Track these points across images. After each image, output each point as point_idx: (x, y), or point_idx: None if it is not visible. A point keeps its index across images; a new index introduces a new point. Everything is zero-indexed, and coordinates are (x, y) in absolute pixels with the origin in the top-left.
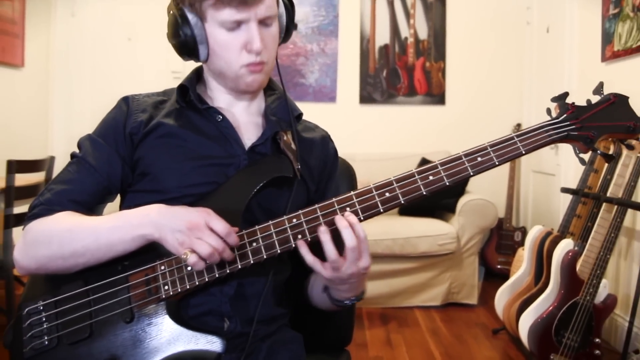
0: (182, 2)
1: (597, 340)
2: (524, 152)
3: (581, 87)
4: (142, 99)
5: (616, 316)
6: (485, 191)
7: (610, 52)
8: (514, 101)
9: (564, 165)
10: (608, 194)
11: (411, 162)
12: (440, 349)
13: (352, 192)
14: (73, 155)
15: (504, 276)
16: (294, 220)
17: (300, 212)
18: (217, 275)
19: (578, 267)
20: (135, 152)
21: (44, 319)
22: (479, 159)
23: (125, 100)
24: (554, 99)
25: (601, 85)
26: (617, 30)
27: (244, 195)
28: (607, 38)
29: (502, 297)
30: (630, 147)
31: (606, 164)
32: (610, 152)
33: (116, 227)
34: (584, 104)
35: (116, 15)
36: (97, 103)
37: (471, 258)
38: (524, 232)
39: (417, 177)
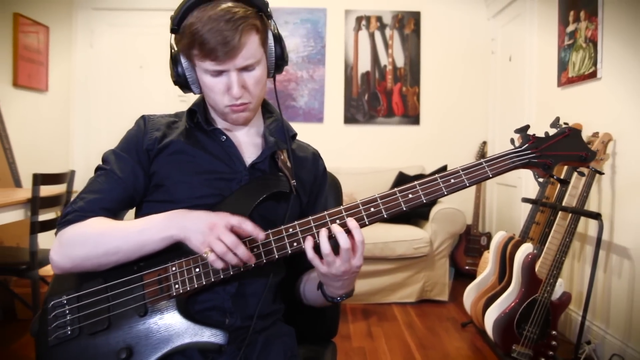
0: (178, 46)
1: (553, 332)
2: (491, 176)
3: (540, 109)
4: (157, 119)
5: (570, 311)
6: (454, 201)
7: (565, 78)
8: (480, 121)
9: (524, 178)
10: (563, 204)
11: (390, 176)
12: (415, 340)
13: (341, 207)
14: (99, 168)
15: (472, 276)
16: (290, 229)
17: (296, 222)
18: (222, 276)
19: (537, 267)
20: (150, 166)
21: (67, 312)
22: (452, 180)
23: (143, 119)
24: (517, 131)
25: (557, 119)
26: (572, 59)
27: (247, 207)
28: (563, 66)
29: (470, 294)
30: (582, 174)
31: (563, 174)
32: (562, 176)
33: (146, 229)
34: (544, 129)
35: (129, 46)
36: (113, 123)
37: (442, 260)
38: (489, 237)
39: (398, 194)
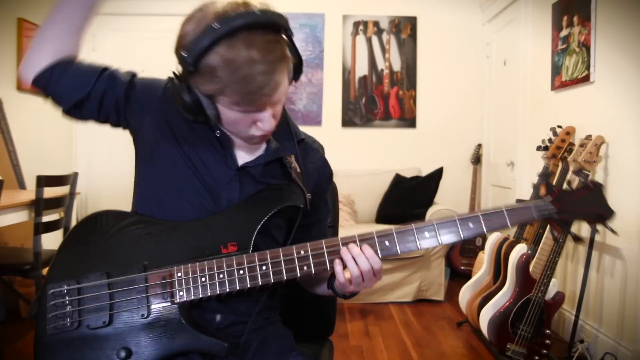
0: (193, 84)
1: (547, 331)
2: (510, 226)
3: (534, 113)
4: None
5: (564, 310)
6: (450, 202)
7: (559, 82)
8: (475, 124)
9: (518, 179)
10: None
11: (386, 178)
12: (411, 339)
13: (356, 234)
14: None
15: (467, 276)
16: (302, 252)
17: (307, 245)
18: (227, 290)
19: (531, 268)
20: (143, 121)
21: (67, 302)
22: (471, 224)
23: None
24: (541, 177)
25: (587, 175)
26: (565, 63)
27: (259, 217)
28: (556, 70)
29: (465, 294)
30: (596, 230)
31: (557, 177)
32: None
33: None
34: (538, 132)
35: (131, 50)
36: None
37: (438, 260)
38: (484, 238)
39: (415, 232)
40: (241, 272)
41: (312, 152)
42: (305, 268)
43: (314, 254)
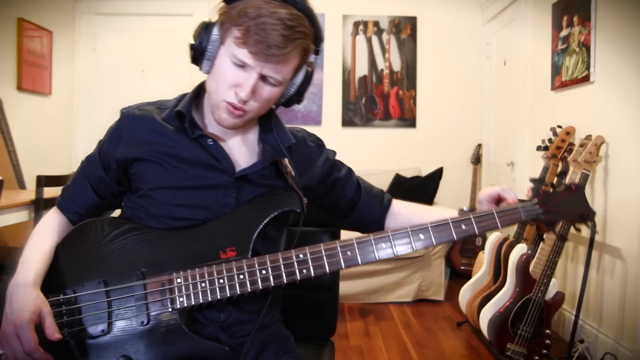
0: (220, 17)
1: (547, 331)
2: (500, 227)
3: (534, 113)
4: (138, 119)
5: (564, 310)
6: (450, 202)
7: (559, 82)
8: (475, 125)
9: (518, 179)
10: None
11: (386, 177)
12: (411, 339)
13: (353, 239)
14: (83, 163)
15: (467, 276)
16: (301, 255)
17: (307, 249)
18: (228, 295)
19: (531, 268)
20: (127, 171)
21: (64, 312)
22: (463, 226)
23: (126, 118)
24: (532, 180)
25: (564, 174)
26: (565, 63)
27: (256, 223)
28: (556, 70)
29: (465, 294)
30: (578, 230)
31: (555, 179)
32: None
33: (21, 263)
34: (538, 132)
35: (131, 50)
36: None
37: (438, 260)
38: (484, 237)
39: (411, 235)
40: (241, 276)
41: (305, 148)
42: (304, 272)
43: (312, 257)
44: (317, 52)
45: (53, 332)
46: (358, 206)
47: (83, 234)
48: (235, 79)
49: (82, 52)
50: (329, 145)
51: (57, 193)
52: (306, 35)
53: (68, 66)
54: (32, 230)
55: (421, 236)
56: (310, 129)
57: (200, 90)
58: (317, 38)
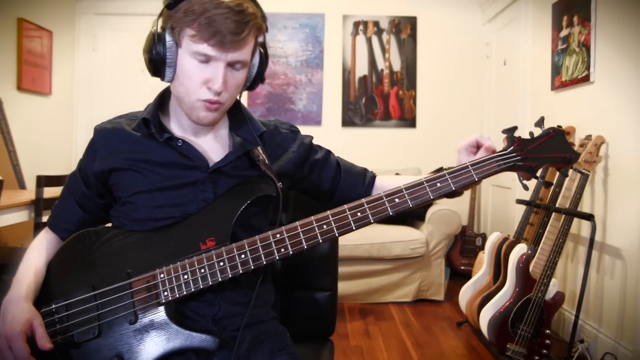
0: (165, 23)
1: (547, 331)
2: (476, 179)
3: (534, 113)
4: (110, 134)
5: (564, 310)
6: (450, 202)
7: (559, 82)
8: (475, 125)
9: (518, 179)
10: (557, 205)
11: None
12: (411, 339)
13: (328, 212)
14: (69, 181)
15: (467, 276)
16: (278, 235)
17: (282, 228)
18: (210, 284)
19: (531, 268)
20: (106, 184)
21: (56, 320)
22: (438, 184)
23: (99, 134)
24: (504, 131)
25: (542, 119)
26: (565, 63)
27: (232, 212)
28: (556, 70)
29: (465, 294)
30: (565, 174)
31: (556, 179)
32: (554, 177)
33: (13, 285)
34: (538, 132)
35: (130, 50)
36: None
37: (438, 260)
38: (484, 237)
39: (385, 199)
40: (221, 263)
41: (279, 136)
42: (282, 250)
43: (289, 235)
44: (267, 28)
45: (45, 342)
46: (340, 185)
47: (72, 247)
48: (204, 75)
49: (82, 52)
50: (329, 145)
51: (57, 193)
52: (255, 15)
53: (68, 66)
54: (31, 230)
55: (396, 200)
56: (310, 129)
57: (163, 97)
58: (263, 16)
